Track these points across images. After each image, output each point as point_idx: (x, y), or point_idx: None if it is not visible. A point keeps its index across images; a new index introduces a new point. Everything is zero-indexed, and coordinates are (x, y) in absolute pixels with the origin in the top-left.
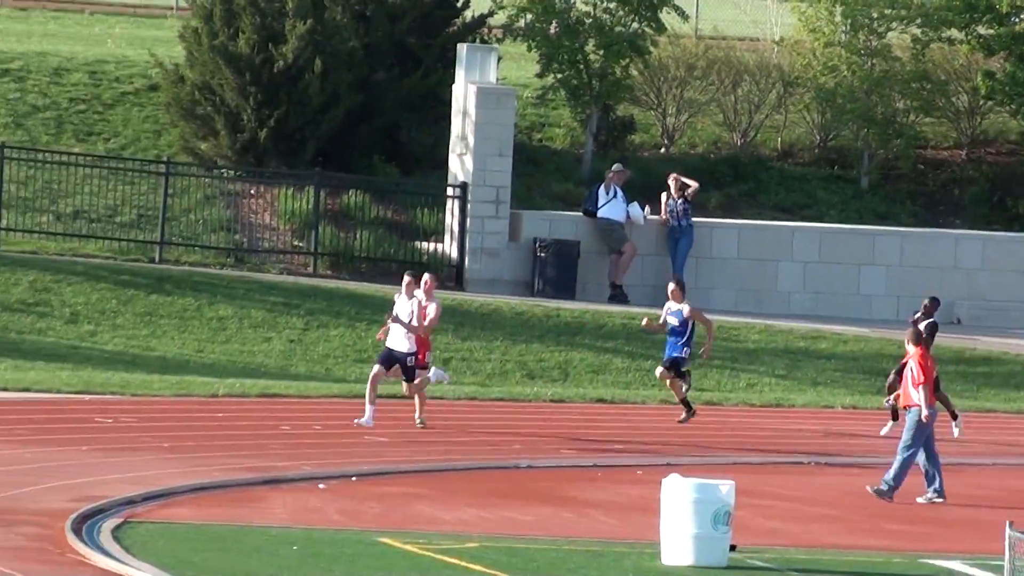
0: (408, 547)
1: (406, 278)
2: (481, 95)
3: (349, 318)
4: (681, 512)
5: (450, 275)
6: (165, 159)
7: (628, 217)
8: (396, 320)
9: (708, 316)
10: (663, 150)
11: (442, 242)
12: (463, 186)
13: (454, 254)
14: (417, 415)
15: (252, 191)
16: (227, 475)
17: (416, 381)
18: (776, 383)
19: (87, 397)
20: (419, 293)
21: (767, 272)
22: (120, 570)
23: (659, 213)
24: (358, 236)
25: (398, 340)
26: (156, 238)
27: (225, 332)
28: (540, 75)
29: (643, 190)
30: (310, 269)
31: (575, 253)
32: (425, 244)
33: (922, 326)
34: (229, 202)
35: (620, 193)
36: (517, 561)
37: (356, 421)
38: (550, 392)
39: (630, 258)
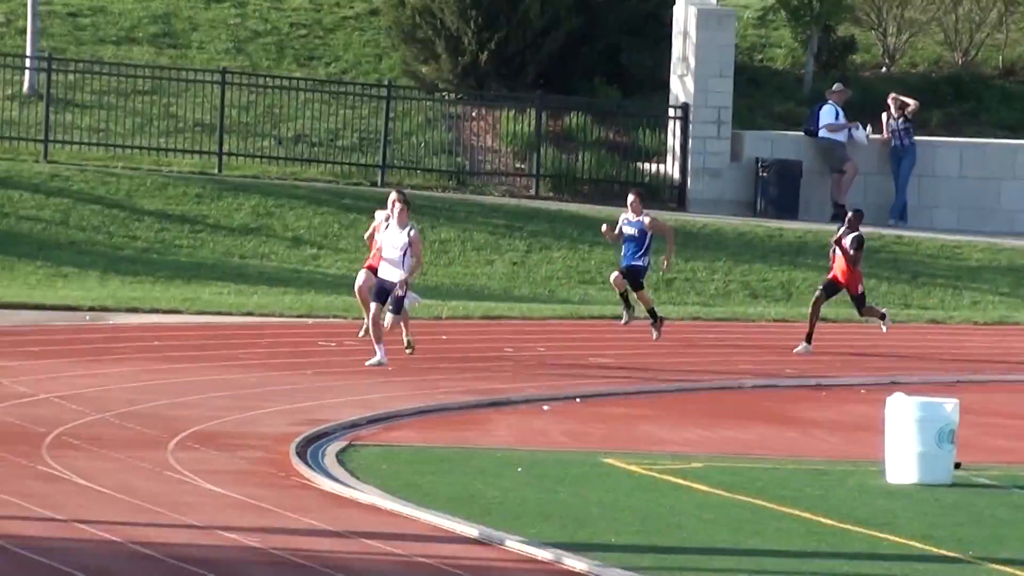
0: (632, 468)
1: (398, 205)
2: (702, 16)
3: (571, 240)
4: (905, 430)
5: (672, 196)
6: (386, 83)
7: (850, 136)
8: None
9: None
10: (884, 70)
11: (664, 163)
12: (684, 107)
13: (676, 175)
14: (405, 339)
15: (473, 114)
16: (451, 398)
17: (401, 313)
18: (1000, 301)
19: (310, 321)
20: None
21: (990, 190)
22: (344, 493)
23: (880, 132)
24: (580, 158)
25: (389, 269)
26: (378, 162)
27: (448, 255)
28: None
29: (864, 110)
30: (532, 191)
31: (797, 173)
32: (647, 165)
33: (848, 240)
34: (451, 125)
35: (841, 113)
36: (741, 480)
37: (368, 362)
38: (773, 312)
39: (851, 177)
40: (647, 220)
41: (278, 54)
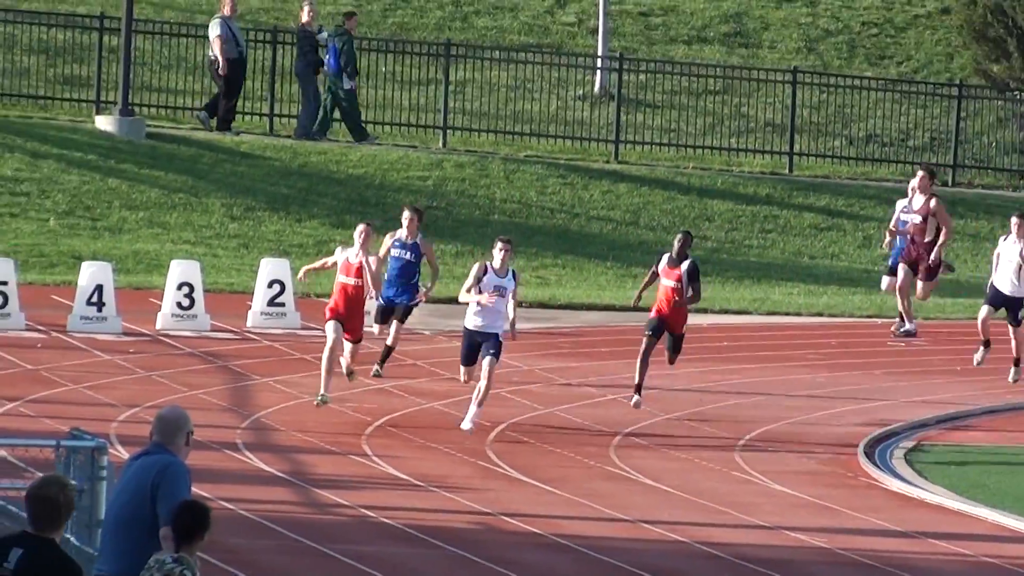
0: None
1: (502, 245)
2: None
3: None
4: None
5: None
6: (957, 82)
7: None
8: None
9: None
10: None
11: None
12: None
13: None
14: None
15: None
16: (1020, 397)
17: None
18: None
19: (879, 321)
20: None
21: None
22: (912, 493)
23: None
24: None
25: (487, 320)
26: (949, 161)
27: None
28: None
29: None
30: None
31: None
32: None
33: (684, 268)
34: (1022, 124)
35: None
36: None
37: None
38: None
39: None
40: (422, 241)
41: (849, 53)
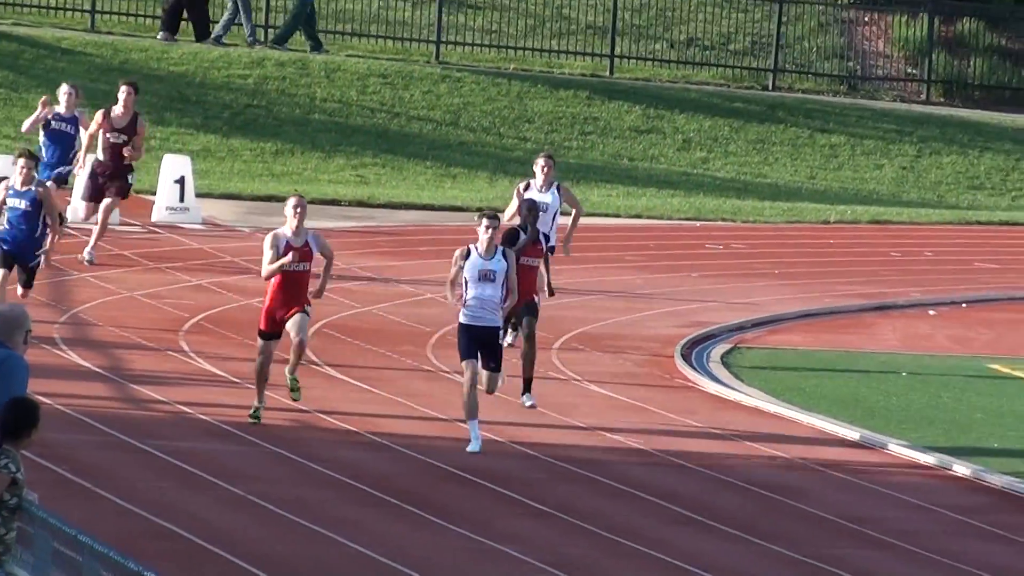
0: (1017, 373)
1: (484, 220)
2: None
3: (961, 145)
4: None
5: None
6: None
7: None
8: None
9: None
10: None
11: None
12: None
13: None
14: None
15: (866, 19)
16: (837, 301)
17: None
18: None
19: (698, 224)
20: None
21: None
22: (728, 395)
23: None
24: (972, 64)
25: (486, 312)
26: (769, 65)
27: (837, 159)
28: None
29: None
30: (923, 96)
31: None
32: None
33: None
34: (843, 30)
35: None
36: None
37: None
38: None
39: None
40: (40, 187)
41: None
